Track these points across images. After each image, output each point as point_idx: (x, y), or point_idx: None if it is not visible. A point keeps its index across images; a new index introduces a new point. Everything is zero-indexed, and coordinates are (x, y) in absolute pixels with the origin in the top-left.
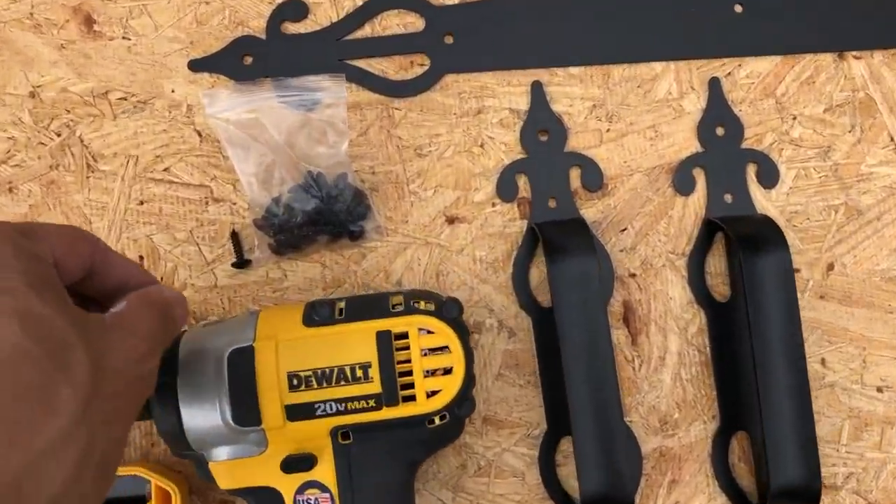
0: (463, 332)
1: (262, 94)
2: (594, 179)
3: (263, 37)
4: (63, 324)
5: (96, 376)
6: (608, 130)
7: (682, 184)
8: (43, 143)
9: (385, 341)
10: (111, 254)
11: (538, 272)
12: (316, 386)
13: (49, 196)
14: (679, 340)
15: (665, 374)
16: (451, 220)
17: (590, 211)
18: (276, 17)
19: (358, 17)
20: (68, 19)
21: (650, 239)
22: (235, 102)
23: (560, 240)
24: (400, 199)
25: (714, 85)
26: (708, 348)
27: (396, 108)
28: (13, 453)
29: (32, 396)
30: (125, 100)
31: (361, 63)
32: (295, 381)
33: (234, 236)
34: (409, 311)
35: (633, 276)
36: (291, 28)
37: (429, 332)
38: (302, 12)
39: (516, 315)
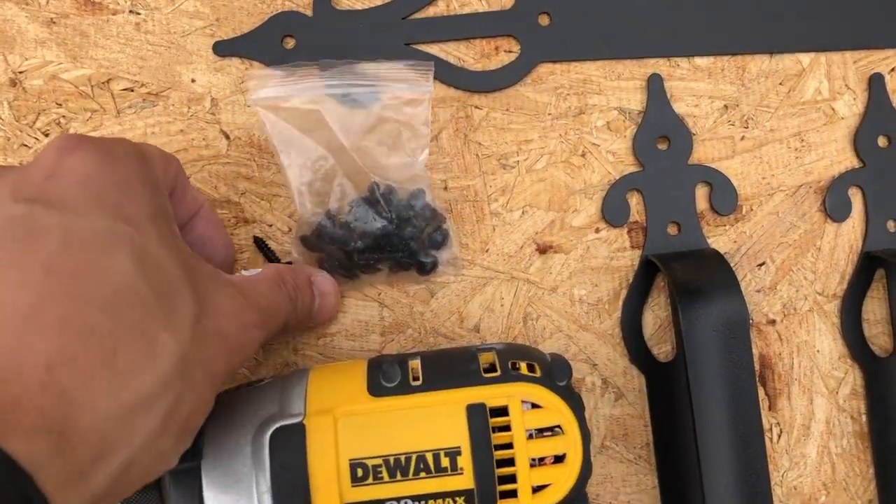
0: (577, 405)
1: (324, 81)
2: (726, 200)
3: (309, 13)
4: (175, 267)
5: (197, 330)
6: (743, 138)
7: (836, 208)
8: (26, 145)
9: (479, 419)
10: (185, 177)
11: (653, 317)
12: (387, 479)
13: None
14: (828, 405)
15: (810, 447)
16: (542, 250)
17: (719, 240)
18: None
19: None
20: None
21: (794, 276)
22: (289, 89)
23: (695, 277)
24: (479, 221)
25: (876, 83)
26: (864, 416)
27: (476, 107)
28: (104, 397)
29: (136, 339)
30: (132, 91)
31: (433, 48)
32: (359, 472)
33: (259, 243)
34: (508, 376)
35: (771, 322)
36: (345, 2)
37: (534, 405)
38: None
39: (625, 371)
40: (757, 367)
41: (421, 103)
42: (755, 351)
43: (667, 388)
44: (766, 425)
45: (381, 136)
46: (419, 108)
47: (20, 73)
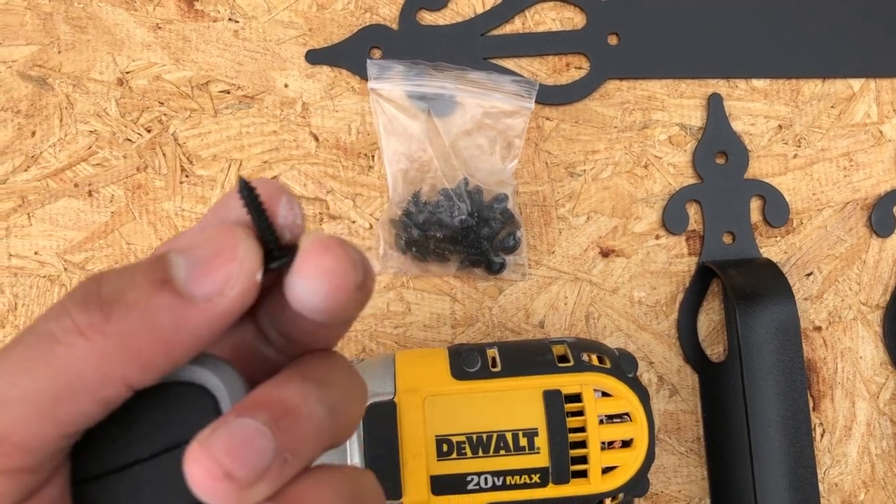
0: (644, 396)
1: (437, 81)
2: (778, 213)
3: (395, 27)
4: None
5: None
6: (795, 156)
7: (881, 223)
8: (130, 140)
9: (555, 404)
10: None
11: (707, 320)
12: (470, 454)
13: (134, 202)
14: (869, 408)
15: (851, 447)
16: (605, 253)
17: (771, 250)
18: (412, 5)
19: (507, 9)
20: None
21: (840, 287)
22: (405, 83)
23: (751, 283)
24: (546, 224)
25: None
26: None
27: (547, 118)
28: None
29: None
30: (229, 93)
31: (508, 63)
32: (445, 448)
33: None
34: (580, 366)
35: (817, 329)
36: (428, 18)
37: (605, 394)
38: (441, 0)
39: (679, 370)
40: (805, 371)
41: (520, 117)
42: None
43: (719, 386)
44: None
45: (478, 139)
46: (517, 120)
47: (127, 73)
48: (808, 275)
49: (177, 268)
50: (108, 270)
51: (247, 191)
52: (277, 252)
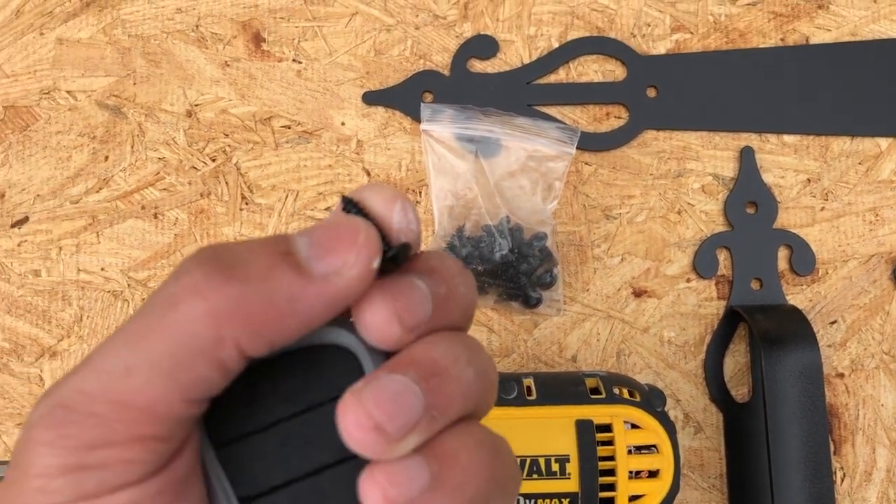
0: (672, 429)
1: (485, 124)
2: (805, 262)
3: (446, 73)
4: None
5: None
6: (822, 209)
7: None
8: (195, 168)
9: (587, 433)
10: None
11: (733, 362)
12: None
13: (197, 226)
14: (889, 455)
15: (870, 493)
16: (638, 293)
17: (797, 297)
18: (463, 53)
19: (552, 60)
20: (236, 35)
21: (863, 336)
22: (455, 125)
23: (776, 328)
24: (582, 264)
25: None
26: None
27: (586, 163)
28: None
29: None
30: (289, 128)
31: (552, 110)
32: None
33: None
34: (612, 399)
35: (840, 376)
36: (478, 66)
37: (634, 426)
38: (491, 50)
39: (705, 408)
40: (826, 415)
41: (561, 161)
42: (827, 399)
43: (742, 426)
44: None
45: (520, 180)
46: (558, 164)
47: (196, 105)
48: (833, 323)
49: (299, 244)
50: (226, 242)
51: (351, 206)
52: (391, 251)
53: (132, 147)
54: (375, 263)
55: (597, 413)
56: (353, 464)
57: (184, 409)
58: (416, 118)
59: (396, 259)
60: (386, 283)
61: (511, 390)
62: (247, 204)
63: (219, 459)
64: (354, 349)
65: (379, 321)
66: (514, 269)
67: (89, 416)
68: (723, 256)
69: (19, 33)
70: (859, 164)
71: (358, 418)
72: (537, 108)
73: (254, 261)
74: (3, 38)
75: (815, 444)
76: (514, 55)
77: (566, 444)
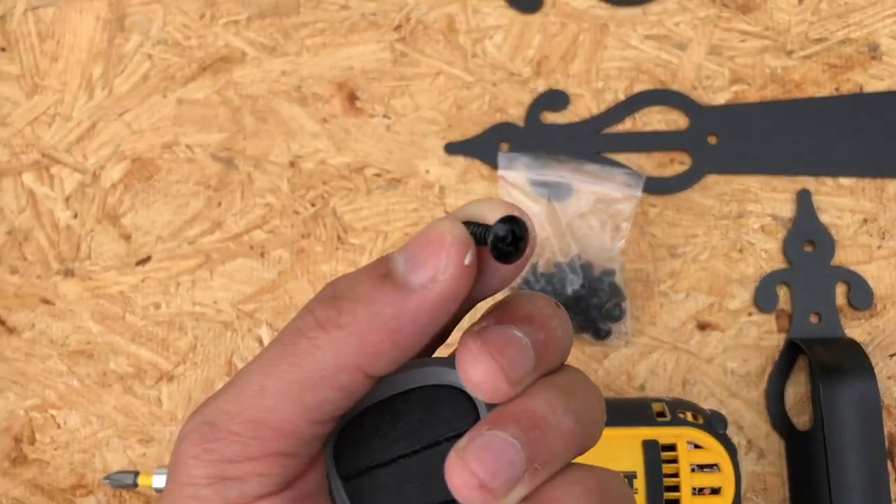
0: (732, 450)
1: (556, 170)
2: (862, 298)
3: (521, 125)
4: None
5: None
6: (879, 247)
7: None
8: (297, 212)
9: (652, 451)
10: None
11: (794, 392)
12: None
13: (298, 263)
14: None
15: None
16: (702, 327)
17: (855, 331)
18: (536, 106)
19: (619, 111)
20: (333, 95)
21: None
22: (530, 171)
23: (835, 360)
24: (649, 298)
25: None
26: None
27: (652, 205)
28: None
29: None
30: (380, 176)
31: (619, 157)
32: None
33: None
34: (676, 421)
35: None
36: (550, 118)
37: (697, 446)
38: (562, 103)
39: (767, 435)
40: (886, 444)
41: (628, 203)
42: (885, 429)
43: (804, 452)
44: (892, 496)
45: (590, 221)
46: (625, 206)
47: (298, 157)
48: (892, 356)
49: (397, 263)
50: (342, 276)
51: (468, 225)
52: (490, 234)
53: (242, 194)
54: (468, 259)
55: (662, 434)
56: None
57: (310, 429)
58: (494, 166)
59: (505, 241)
60: (488, 337)
61: None
62: (342, 244)
63: (345, 490)
64: (466, 388)
65: (486, 380)
66: (585, 302)
67: (229, 433)
68: (782, 292)
69: (146, 95)
70: None
71: (463, 477)
72: (606, 155)
73: (359, 288)
74: (132, 99)
75: (875, 472)
76: (583, 107)
77: (633, 462)
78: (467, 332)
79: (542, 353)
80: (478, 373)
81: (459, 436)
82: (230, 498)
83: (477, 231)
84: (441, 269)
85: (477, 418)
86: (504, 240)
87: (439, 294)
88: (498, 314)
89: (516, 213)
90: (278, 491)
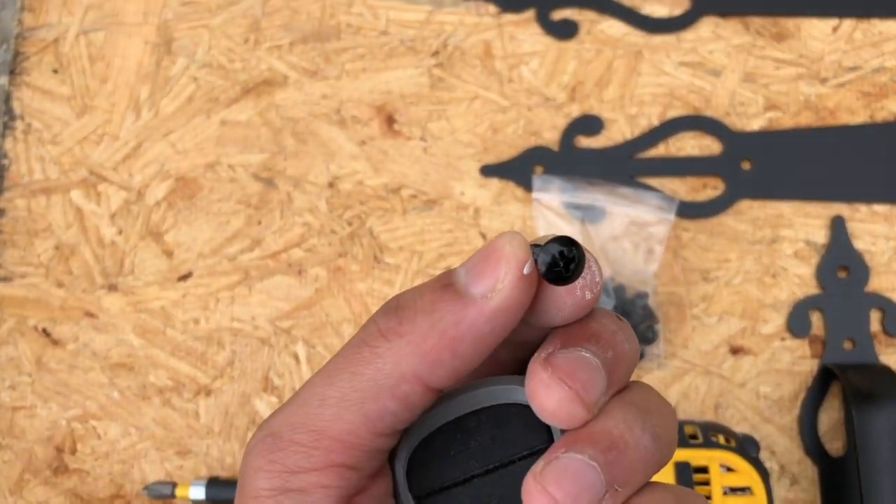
0: (765, 474)
1: (590, 193)
2: None
3: (556, 149)
4: None
5: None
6: None
7: None
8: (335, 231)
9: (685, 473)
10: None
11: (827, 418)
12: None
13: (334, 282)
14: None
15: None
16: (735, 351)
17: (890, 358)
18: (571, 131)
19: (653, 137)
20: (371, 118)
21: None
22: (564, 194)
23: (867, 386)
24: (681, 322)
25: None
26: None
27: (685, 230)
28: None
29: None
30: (416, 197)
31: (653, 181)
32: None
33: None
34: (708, 444)
35: None
36: (584, 142)
37: (729, 469)
38: (597, 127)
39: (800, 461)
40: None
41: (661, 227)
42: None
43: (837, 479)
44: None
45: (624, 244)
46: (658, 230)
47: (336, 178)
48: None
49: (459, 275)
50: (409, 288)
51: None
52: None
53: (281, 213)
54: (527, 269)
55: (694, 456)
56: None
57: (371, 441)
58: (528, 188)
59: (556, 262)
60: (557, 363)
61: None
62: (378, 263)
63: None
64: (523, 400)
65: (561, 407)
66: None
67: (292, 444)
68: (815, 317)
69: (190, 116)
70: None
71: (542, 502)
72: (640, 179)
73: (420, 299)
74: (178, 120)
75: None
76: (617, 132)
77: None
78: (535, 359)
79: (612, 371)
80: (552, 402)
81: (534, 454)
82: None
83: (536, 251)
84: (500, 278)
85: (550, 436)
86: (555, 260)
87: (499, 304)
88: (563, 336)
89: (570, 237)
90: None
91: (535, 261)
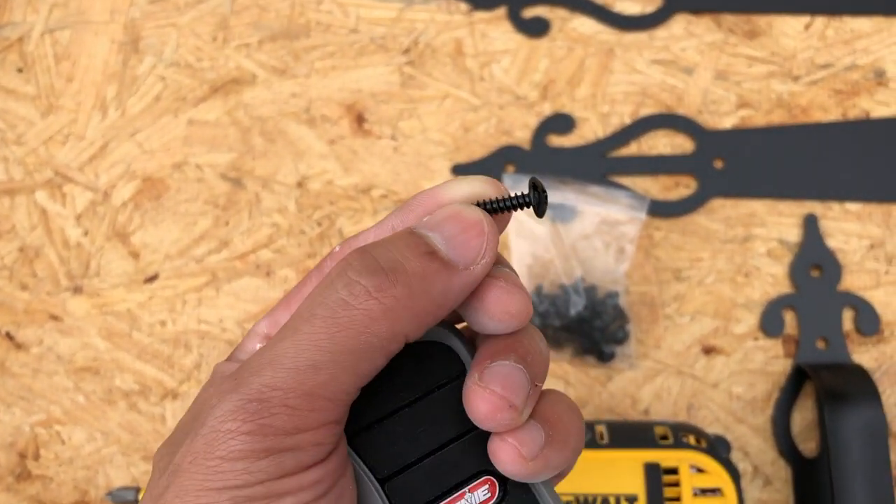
0: (735, 475)
1: (561, 192)
2: (870, 323)
3: (527, 147)
4: None
5: None
6: (887, 272)
7: None
8: (304, 232)
9: (654, 474)
10: None
11: (801, 418)
12: None
13: None
14: None
15: None
16: (707, 351)
17: (862, 357)
18: (543, 130)
19: (625, 135)
20: (341, 116)
21: None
22: None
23: (839, 386)
24: (653, 322)
25: None
26: None
27: (657, 229)
28: None
29: None
30: (386, 197)
31: (625, 180)
32: None
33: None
34: (679, 444)
35: None
36: (556, 141)
37: (700, 470)
38: (568, 126)
39: (773, 462)
40: (892, 471)
41: (632, 226)
42: (893, 456)
43: (810, 480)
44: None
45: (594, 243)
46: (630, 229)
47: (305, 178)
48: None
49: (436, 242)
50: (370, 244)
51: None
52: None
53: (249, 214)
54: (497, 247)
55: (664, 457)
56: (473, 436)
57: (354, 395)
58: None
59: (544, 197)
60: (489, 378)
61: (587, 435)
62: None
63: (353, 447)
64: (453, 346)
65: (494, 413)
66: (589, 324)
67: (285, 409)
68: (789, 317)
69: (157, 116)
70: None
71: (491, 401)
72: (612, 178)
73: (408, 262)
74: (145, 120)
75: (881, 500)
76: (589, 131)
77: (635, 484)
78: (470, 375)
79: (535, 374)
80: (485, 409)
81: (451, 381)
82: (286, 468)
83: (489, 207)
84: (482, 252)
85: (463, 367)
86: (544, 197)
87: (479, 275)
88: (493, 348)
89: (532, 179)
90: (327, 457)
91: (513, 207)
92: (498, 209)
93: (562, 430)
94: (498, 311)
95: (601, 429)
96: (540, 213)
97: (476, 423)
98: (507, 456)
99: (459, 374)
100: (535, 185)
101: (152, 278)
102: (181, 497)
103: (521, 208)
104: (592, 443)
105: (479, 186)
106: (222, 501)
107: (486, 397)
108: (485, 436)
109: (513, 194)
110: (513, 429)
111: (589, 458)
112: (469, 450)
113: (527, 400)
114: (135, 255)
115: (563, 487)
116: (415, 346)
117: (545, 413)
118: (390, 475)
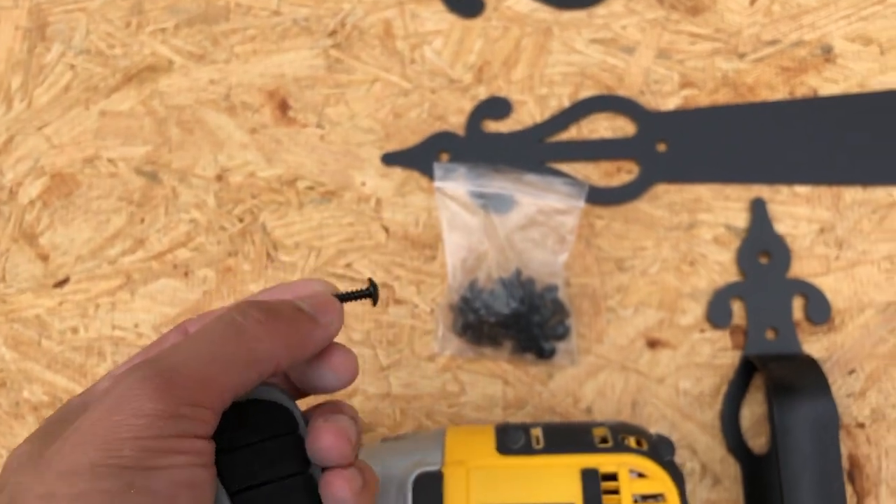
0: (679, 479)
1: (495, 182)
2: (820, 311)
3: (462, 134)
4: None
5: None
6: (837, 258)
7: None
8: (224, 228)
9: (591, 481)
10: None
11: (750, 412)
12: None
13: (224, 283)
14: None
15: None
16: (652, 344)
17: (813, 347)
18: (478, 114)
19: (564, 119)
20: (263, 104)
21: (883, 385)
22: (467, 183)
23: (788, 378)
24: (595, 315)
25: None
26: None
27: (598, 217)
28: None
29: None
30: (313, 189)
31: (564, 167)
32: None
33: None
34: (618, 447)
35: (861, 426)
36: (492, 126)
37: (640, 475)
38: (504, 110)
39: (722, 459)
40: (847, 466)
41: (571, 215)
42: (845, 451)
43: (761, 477)
44: None
45: (532, 234)
46: (568, 218)
47: (226, 170)
48: (851, 372)
49: (303, 306)
50: (257, 301)
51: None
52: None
53: (166, 210)
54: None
55: (603, 462)
56: (307, 474)
57: (229, 404)
58: (433, 177)
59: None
60: (331, 424)
61: (518, 439)
62: (272, 262)
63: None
64: (287, 405)
65: (337, 447)
66: (527, 320)
67: (186, 386)
68: (737, 306)
69: (67, 107)
70: (873, 212)
71: (335, 434)
72: (550, 165)
73: (286, 310)
74: (53, 112)
75: (830, 497)
76: (526, 115)
77: (571, 492)
78: (317, 417)
79: (357, 420)
80: (328, 443)
81: (288, 434)
82: (183, 430)
83: (344, 297)
84: (335, 318)
85: (295, 422)
86: (377, 291)
87: (332, 334)
88: (329, 406)
89: (370, 279)
90: (208, 436)
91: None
92: (344, 299)
93: (370, 479)
94: (341, 367)
95: (537, 432)
96: (375, 302)
97: (318, 456)
98: (340, 487)
99: (293, 428)
100: (372, 282)
101: (63, 282)
102: (82, 446)
103: (360, 299)
104: (527, 448)
105: (326, 285)
106: (125, 449)
107: (331, 430)
108: (313, 478)
109: (352, 289)
110: (345, 465)
111: (523, 465)
112: (301, 483)
113: (357, 444)
114: (43, 258)
115: (496, 498)
116: (258, 403)
117: (359, 465)
118: (237, 491)
